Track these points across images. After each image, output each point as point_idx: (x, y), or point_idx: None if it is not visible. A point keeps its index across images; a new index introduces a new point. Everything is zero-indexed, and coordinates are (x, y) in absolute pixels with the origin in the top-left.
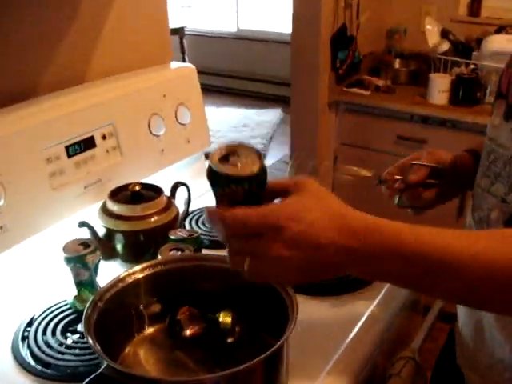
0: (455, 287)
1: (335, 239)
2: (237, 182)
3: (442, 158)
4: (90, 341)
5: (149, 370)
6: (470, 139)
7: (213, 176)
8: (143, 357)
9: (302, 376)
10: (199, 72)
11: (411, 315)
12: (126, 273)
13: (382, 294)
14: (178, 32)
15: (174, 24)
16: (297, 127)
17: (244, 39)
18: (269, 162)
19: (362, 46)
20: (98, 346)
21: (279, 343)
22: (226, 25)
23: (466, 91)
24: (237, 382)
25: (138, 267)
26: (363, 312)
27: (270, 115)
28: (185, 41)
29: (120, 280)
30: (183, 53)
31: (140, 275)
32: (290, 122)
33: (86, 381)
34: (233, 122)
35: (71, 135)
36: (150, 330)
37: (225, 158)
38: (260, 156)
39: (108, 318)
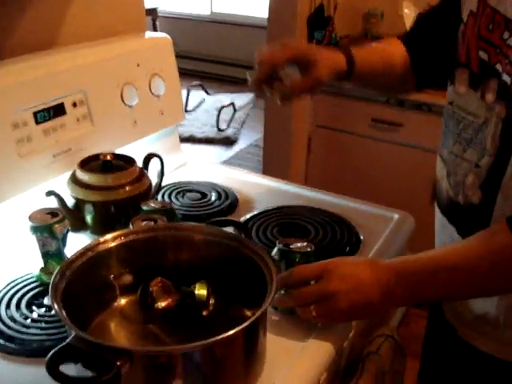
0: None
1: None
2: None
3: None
4: (57, 308)
5: (119, 343)
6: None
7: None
8: (113, 329)
9: (280, 353)
10: None
11: None
12: (96, 241)
13: None
14: (151, 13)
15: (147, 5)
16: (271, 109)
17: (217, 22)
18: (241, 146)
19: (338, 28)
20: (64, 314)
21: (257, 314)
22: (199, 7)
23: None
24: (211, 353)
25: (108, 236)
26: None
27: (243, 99)
28: (158, 22)
29: (89, 249)
30: None
31: (111, 244)
32: (263, 105)
33: (52, 352)
34: (205, 106)
35: (40, 101)
36: (120, 302)
37: None
38: None
39: (76, 288)
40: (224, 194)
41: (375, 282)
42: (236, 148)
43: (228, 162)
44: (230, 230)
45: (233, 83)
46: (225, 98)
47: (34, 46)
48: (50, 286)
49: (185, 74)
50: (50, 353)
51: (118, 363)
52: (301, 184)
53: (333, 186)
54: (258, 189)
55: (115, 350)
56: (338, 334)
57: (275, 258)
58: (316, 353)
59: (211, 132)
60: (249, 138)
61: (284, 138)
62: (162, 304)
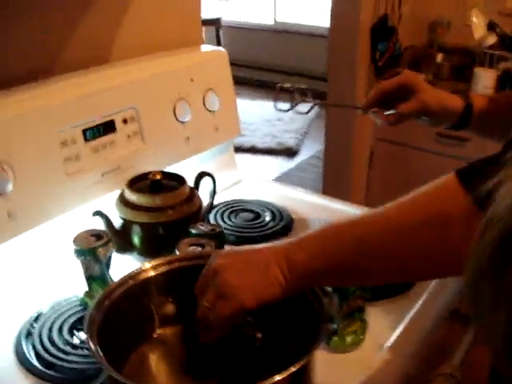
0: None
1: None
2: None
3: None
4: (92, 346)
5: (158, 382)
6: None
7: None
8: (152, 364)
9: None
10: (234, 64)
11: (451, 326)
12: (139, 270)
13: (420, 301)
14: (215, 23)
15: (210, 15)
16: (332, 121)
17: (281, 32)
18: (302, 157)
19: (402, 39)
20: (99, 353)
21: (306, 358)
22: (263, 17)
23: None
24: None
25: (151, 263)
26: (399, 321)
27: (306, 109)
28: (221, 32)
29: (131, 277)
30: (219, 44)
31: (153, 272)
32: (325, 117)
33: None
34: (267, 116)
35: (89, 118)
36: (161, 333)
37: None
38: None
39: (115, 319)
40: (279, 214)
41: (269, 255)
42: (297, 159)
43: (288, 174)
44: None
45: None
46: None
47: (87, 62)
48: (86, 320)
49: (247, 84)
50: None
51: None
52: (361, 199)
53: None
54: (315, 209)
55: None
56: (395, 376)
57: (328, 290)
58: None
59: (272, 142)
60: (311, 149)
61: (345, 151)
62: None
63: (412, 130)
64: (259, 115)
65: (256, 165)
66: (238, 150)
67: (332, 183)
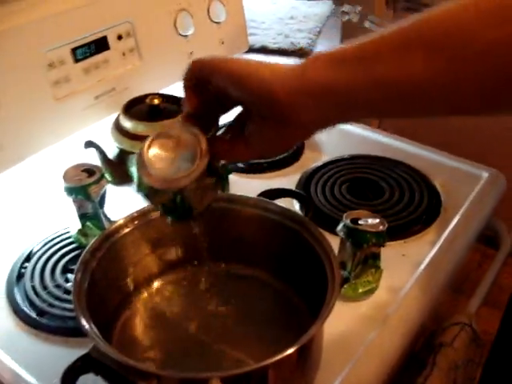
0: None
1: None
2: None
3: None
4: (82, 320)
5: (150, 350)
6: None
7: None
8: (145, 326)
9: (337, 350)
10: None
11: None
12: (128, 217)
13: (437, 245)
14: None
15: None
16: (350, 23)
17: None
18: None
19: None
20: (86, 325)
21: (314, 329)
22: None
23: None
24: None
25: (144, 208)
26: (416, 265)
27: (320, 7)
28: None
29: (121, 225)
30: None
31: (153, 216)
32: (341, 14)
33: (70, 364)
34: (279, 14)
35: (79, 35)
36: (158, 285)
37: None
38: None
39: (106, 273)
40: None
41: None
42: None
43: None
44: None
45: None
46: (300, 5)
47: None
48: (73, 287)
49: None
50: (68, 365)
51: None
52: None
53: (411, 120)
54: (327, 131)
55: (140, 373)
56: (407, 324)
57: (341, 235)
58: (379, 350)
59: (284, 42)
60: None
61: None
62: None
63: None
64: (272, 13)
65: None
66: (249, 50)
67: None
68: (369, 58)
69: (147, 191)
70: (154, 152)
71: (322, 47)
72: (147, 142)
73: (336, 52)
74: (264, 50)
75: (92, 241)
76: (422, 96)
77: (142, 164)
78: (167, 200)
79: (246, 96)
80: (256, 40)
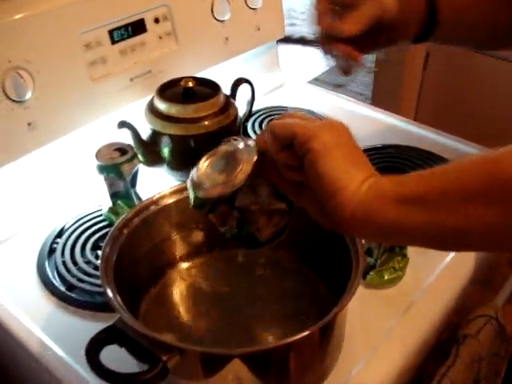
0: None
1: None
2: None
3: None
4: (109, 292)
5: (176, 326)
6: None
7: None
8: (174, 300)
9: (359, 337)
10: None
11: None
12: (160, 194)
13: None
14: None
15: None
16: None
17: None
18: None
19: None
20: (111, 295)
21: (335, 310)
22: None
23: None
24: (279, 354)
25: (176, 186)
26: (443, 256)
27: None
28: None
29: (153, 202)
30: None
31: (179, 196)
32: None
33: (95, 335)
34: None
35: (116, 17)
36: (186, 265)
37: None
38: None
39: (134, 250)
40: None
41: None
42: None
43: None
44: None
45: None
46: None
47: None
48: (100, 260)
49: None
50: (92, 336)
51: (165, 358)
52: (412, 106)
53: (448, 110)
54: (362, 120)
55: (162, 345)
56: (431, 313)
57: None
58: (401, 337)
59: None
60: None
61: (399, 49)
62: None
63: None
64: (311, 2)
65: (305, 57)
66: (287, 40)
67: (383, 83)
68: (434, 201)
69: (205, 206)
70: (205, 171)
71: None
72: (199, 164)
73: (402, 189)
74: (302, 40)
75: (121, 217)
76: (477, 239)
77: (194, 184)
78: (227, 213)
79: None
80: (294, 30)
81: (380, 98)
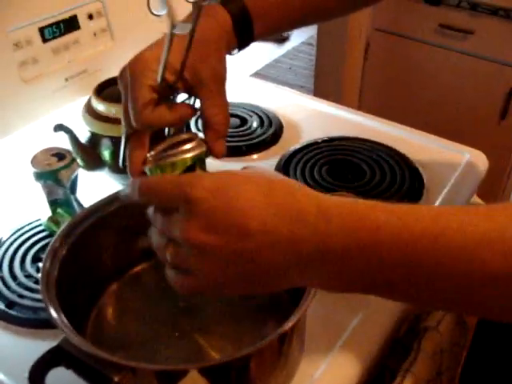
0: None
1: (272, 223)
2: None
3: None
4: (51, 310)
5: (126, 342)
6: None
7: None
8: (120, 315)
9: (321, 337)
10: None
11: None
12: (102, 201)
13: None
14: None
15: None
16: None
17: None
18: (293, 43)
19: None
20: (54, 314)
21: (295, 316)
22: None
23: None
24: (238, 366)
25: (114, 194)
26: None
27: None
28: None
29: (95, 209)
30: None
31: (116, 206)
32: None
33: (39, 357)
34: None
35: (47, 14)
36: (133, 275)
37: None
38: None
39: (77, 262)
40: (267, 119)
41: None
42: (288, 45)
43: (279, 61)
44: None
45: None
46: None
47: None
48: (41, 275)
49: None
50: (37, 358)
51: (117, 379)
52: (354, 95)
53: (390, 99)
54: (306, 112)
55: (114, 365)
56: (390, 307)
57: None
58: (363, 335)
59: None
60: (302, 35)
61: (339, 40)
62: None
63: (412, 20)
64: None
65: (245, 51)
66: None
67: (325, 74)
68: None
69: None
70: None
71: (299, 32)
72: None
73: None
74: None
75: (61, 227)
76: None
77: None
78: None
79: None
80: None
81: (322, 90)
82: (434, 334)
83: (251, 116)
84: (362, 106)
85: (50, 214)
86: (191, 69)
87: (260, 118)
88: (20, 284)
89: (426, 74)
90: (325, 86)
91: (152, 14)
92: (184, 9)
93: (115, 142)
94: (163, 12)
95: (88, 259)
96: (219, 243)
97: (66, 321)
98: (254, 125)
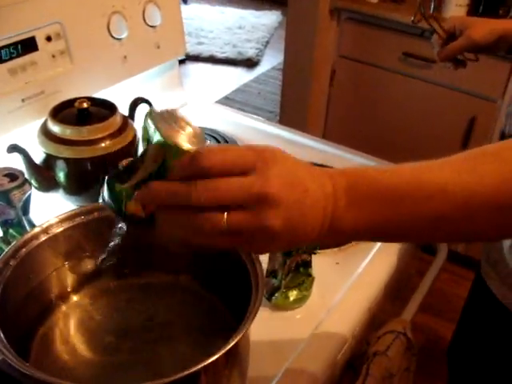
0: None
1: (321, 181)
2: None
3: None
4: None
5: (71, 365)
6: (488, 60)
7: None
8: (67, 337)
9: (268, 357)
10: None
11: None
12: (49, 222)
13: (372, 252)
14: None
15: None
16: (293, 33)
17: None
18: (263, 68)
19: None
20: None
21: (237, 338)
22: None
23: (488, 6)
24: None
25: (62, 215)
26: (350, 273)
27: (268, 18)
28: None
29: (42, 230)
30: None
31: (70, 224)
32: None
33: None
34: (227, 23)
35: (4, 35)
36: (78, 297)
37: None
38: None
39: (22, 283)
40: (224, 142)
41: (321, 197)
42: (258, 70)
43: (248, 86)
44: None
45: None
46: (248, 15)
47: None
48: None
49: None
50: None
51: None
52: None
53: (355, 125)
54: (267, 139)
55: None
56: (340, 331)
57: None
58: (311, 358)
59: (232, 52)
60: (272, 60)
61: (305, 66)
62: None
63: (377, 48)
64: (220, 22)
65: (214, 76)
66: (197, 59)
67: (290, 100)
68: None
69: None
70: None
71: (269, 57)
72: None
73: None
74: (212, 59)
75: (6, 249)
76: None
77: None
78: None
79: None
80: (204, 49)
81: (288, 117)
82: (382, 358)
83: (210, 141)
84: (327, 132)
85: (1, 234)
86: None
87: (217, 141)
88: None
89: (391, 101)
90: (291, 112)
91: (112, 37)
92: (142, 33)
93: (70, 163)
94: (124, 35)
95: (32, 281)
96: (286, 197)
97: (5, 342)
98: None
